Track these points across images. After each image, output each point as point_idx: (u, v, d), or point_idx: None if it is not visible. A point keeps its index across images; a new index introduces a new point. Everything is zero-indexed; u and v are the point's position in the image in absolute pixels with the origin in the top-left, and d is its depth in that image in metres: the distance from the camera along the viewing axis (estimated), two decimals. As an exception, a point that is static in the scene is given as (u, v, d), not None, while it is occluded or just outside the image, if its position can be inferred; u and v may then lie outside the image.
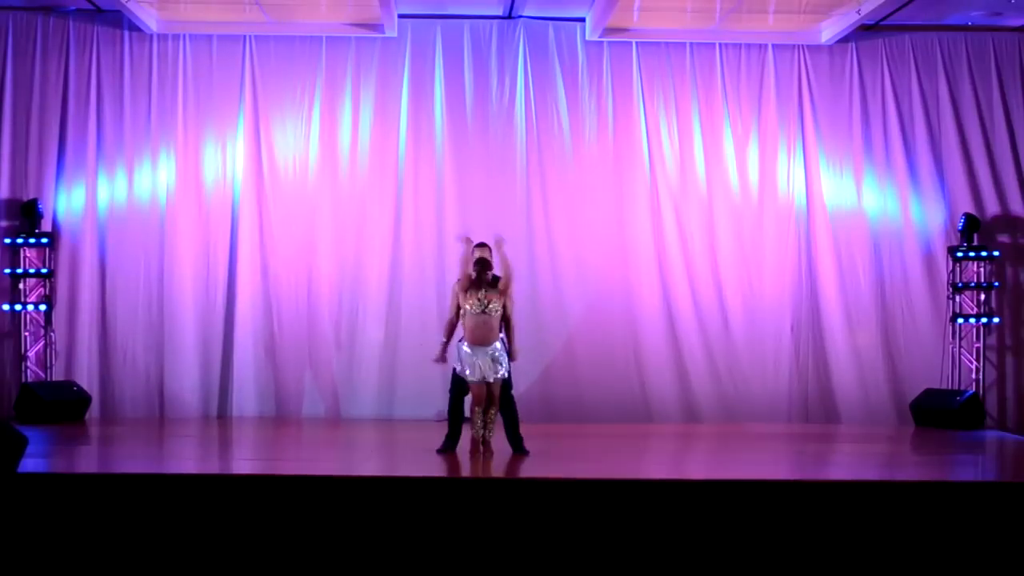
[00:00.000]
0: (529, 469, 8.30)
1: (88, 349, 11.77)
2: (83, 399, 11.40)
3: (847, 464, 9.52)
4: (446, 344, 8.91)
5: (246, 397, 11.88)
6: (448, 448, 8.91)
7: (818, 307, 12.18)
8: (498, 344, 8.59)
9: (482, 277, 8.62)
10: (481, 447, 8.66)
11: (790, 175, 12.27)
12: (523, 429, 8.95)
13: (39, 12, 11.81)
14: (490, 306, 8.51)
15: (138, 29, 11.86)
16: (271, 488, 7.25)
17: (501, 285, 8.61)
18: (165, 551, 6.98)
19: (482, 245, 8.86)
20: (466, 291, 8.57)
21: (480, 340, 8.52)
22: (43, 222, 11.59)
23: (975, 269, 12.00)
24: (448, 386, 9.16)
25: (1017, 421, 12.02)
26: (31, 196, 11.64)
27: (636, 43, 12.22)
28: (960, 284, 11.92)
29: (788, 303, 12.17)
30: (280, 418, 11.75)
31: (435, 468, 8.32)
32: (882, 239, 12.22)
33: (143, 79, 11.96)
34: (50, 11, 11.82)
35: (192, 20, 11.88)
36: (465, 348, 8.57)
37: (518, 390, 9.15)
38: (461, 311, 8.62)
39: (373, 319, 11.97)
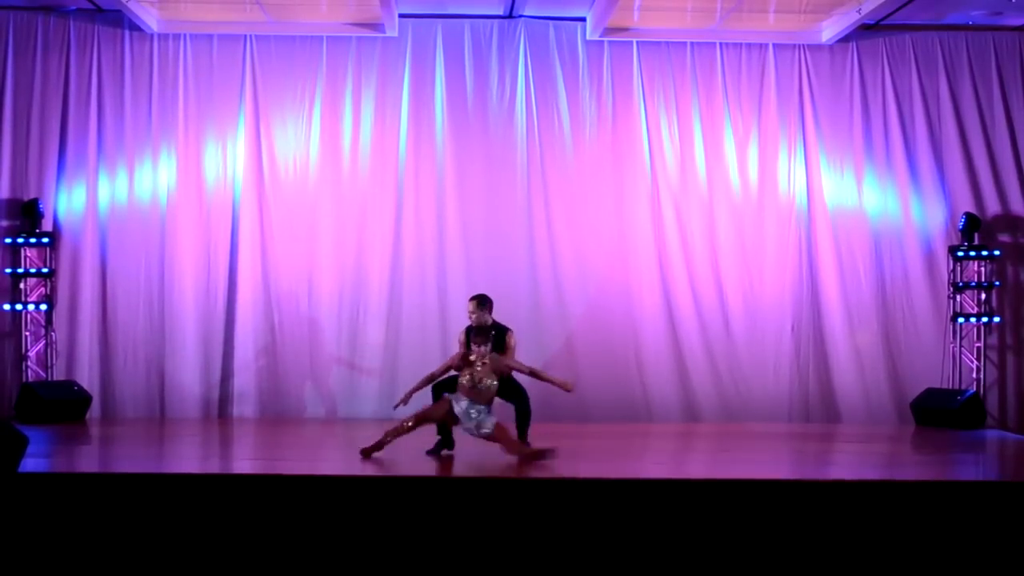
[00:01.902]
0: (529, 469, 8.28)
1: (89, 349, 11.78)
2: (83, 399, 11.40)
3: (847, 464, 9.50)
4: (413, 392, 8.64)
5: (246, 397, 11.88)
6: (439, 449, 8.79)
7: (819, 306, 12.18)
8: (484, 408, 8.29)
9: (481, 328, 8.59)
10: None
11: (791, 174, 12.27)
12: (524, 429, 8.95)
13: (39, 12, 11.81)
14: (481, 383, 8.26)
15: (139, 29, 11.86)
16: (271, 488, 7.25)
17: (500, 362, 8.45)
18: (165, 551, 6.99)
19: (478, 298, 9.04)
20: (466, 346, 8.47)
21: (473, 397, 8.28)
22: (44, 222, 11.60)
23: (976, 268, 12.00)
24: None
25: (1018, 420, 12.02)
26: (32, 196, 11.65)
27: (636, 42, 12.22)
28: (961, 283, 11.92)
29: (789, 302, 12.17)
30: (280, 418, 11.75)
31: (435, 468, 8.31)
32: (883, 238, 12.22)
33: (144, 79, 11.96)
34: (51, 11, 11.82)
35: (192, 20, 11.88)
36: (461, 401, 8.27)
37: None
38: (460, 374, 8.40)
39: (374, 318, 11.97)
